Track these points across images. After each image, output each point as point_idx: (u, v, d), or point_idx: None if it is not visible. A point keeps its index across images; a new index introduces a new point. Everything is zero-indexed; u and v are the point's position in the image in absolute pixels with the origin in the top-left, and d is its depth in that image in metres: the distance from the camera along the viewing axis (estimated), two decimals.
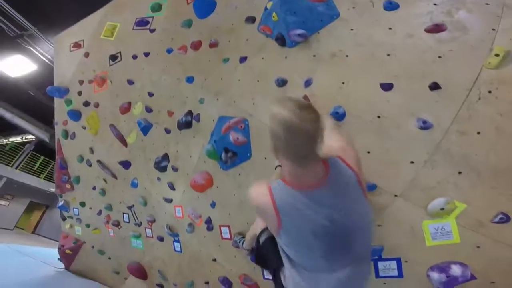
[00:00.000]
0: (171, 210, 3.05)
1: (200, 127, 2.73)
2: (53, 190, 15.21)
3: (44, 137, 12.05)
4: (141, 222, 3.58)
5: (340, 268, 1.16)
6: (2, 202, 15.85)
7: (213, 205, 2.68)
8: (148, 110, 3.19)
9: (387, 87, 1.77)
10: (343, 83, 1.95)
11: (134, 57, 3.38)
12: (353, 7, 2.06)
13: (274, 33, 2.28)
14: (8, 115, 10.92)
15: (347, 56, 1.98)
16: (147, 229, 3.52)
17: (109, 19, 3.84)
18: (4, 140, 14.44)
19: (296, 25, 2.14)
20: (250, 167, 2.37)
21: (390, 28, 1.88)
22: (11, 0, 7.27)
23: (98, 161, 3.82)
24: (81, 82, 3.90)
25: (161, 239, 3.30)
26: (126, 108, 3.38)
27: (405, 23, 1.85)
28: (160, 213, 3.22)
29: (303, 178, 1.12)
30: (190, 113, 2.82)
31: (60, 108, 4.26)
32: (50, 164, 15.19)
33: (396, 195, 1.70)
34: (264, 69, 2.37)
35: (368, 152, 1.79)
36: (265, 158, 2.27)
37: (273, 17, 2.24)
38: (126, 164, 3.48)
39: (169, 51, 3.11)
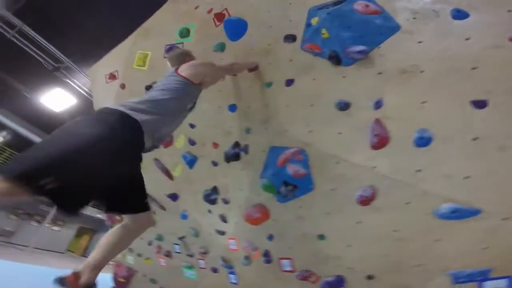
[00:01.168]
0: (225, 242, 2.91)
1: (250, 159, 2.57)
2: (99, 216, 16.33)
3: None
4: (193, 253, 3.50)
5: None
6: (55, 228, 17.09)
7: (270, 238, 2.51)
8: (192, 142, 3.08)
9: (480, 104, 1.49)
10: (423, 102, 1.69)
11: None
12: (414, 18, 1.79)
13: (325, 51, 2.05)
14: None
15: (421, 71, 1.71)
16: (199, 260, 3.43)
17: (138, 47, 3.78)
18: None
19: (352, 41, 1.90)
20: (313, 199, 2.17)
21: (467, 39, 1.61)
22: (44, 33, 7.68)
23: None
24: None
25: (215, 270, 3.17)
26: (168, 142, 3.30)
27: (483, 32, 1.58)
28: (213, 245, 3.09)
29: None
30: (237, 144, 2.66)
31: None
32: None
33: (504, 218, 1.45)
34: (317, 91, 2.14)
35: (467, 177, 1.55)
36: (332, 189, 2.07)
37: (323, 34, 2.02)
38: (173, 197, 3.42)
39: None
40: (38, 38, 7.66)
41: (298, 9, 2.34)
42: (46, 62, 8.07)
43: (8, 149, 13.21)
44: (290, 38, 2.34)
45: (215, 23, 3.02)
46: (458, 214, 1.59)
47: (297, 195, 2.24)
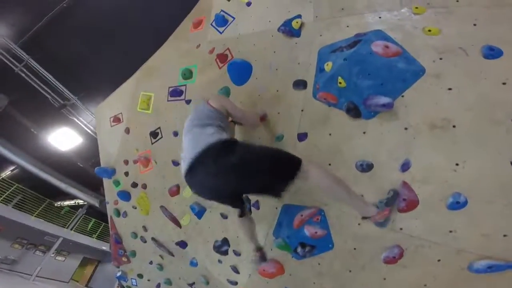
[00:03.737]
0: None
1: (261, 214, 2.29)
2: (104, 248, 16.05)
3: (94, 202, 12.49)
4: None
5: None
6: (59, 258, 16.86)
7: None
8: None
9: None
10: (457, 164, 1.45)
11: (175, 134, 3.08)
12: (440, 58, 1.54)
13: (342, 102, 1.76)
14: (63, 185, 11.49)
15: (454, 126, 1.47)
16: None
17: (142, 87, 3.60)
18: (59, 203, 15.29)
19: (373, 90, 1.62)
20: (333, 257, 1.94)
21: (504, 83, 1.38)
22: (50, 69, 7.56)
23: (153, 238, 3.56)
24: (126, 162, 3.68)
25: None
26: (175, 191, 3.07)
27: None
28: None
29: None
30: (247, 199, 2.37)
31: (109, 188, 4.07)
32: (101, 226, 16.43)
33: None
34: (335, 148, 1.85)
35: (505, 236, 1.38)
36: (354, 248, 1.83)
37: (339, 83, 1.73)
38: (182, 244, 3.16)
39: None
40: (45, 73, 7.51)
41: (306, 50, 2.13)
42: (53, 98, 7.90)
43: (15, 183, 13.01)
44: (301, 84, 2.08)
45: (218, 65, 2.86)
46: (494, 268, 1.42)
47: (315, 254, 2.00)
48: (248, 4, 2.68)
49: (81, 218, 15.63)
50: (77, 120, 8.33)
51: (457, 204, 1.44)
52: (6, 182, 12.96)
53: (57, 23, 6.60)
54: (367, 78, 1.65)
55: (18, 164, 10.70)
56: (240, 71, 2.64)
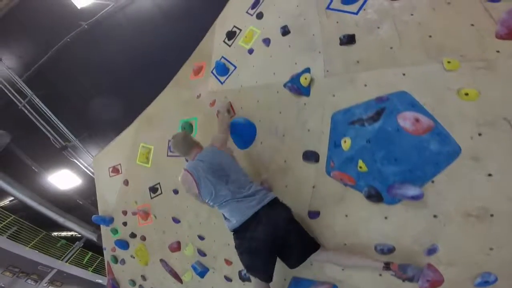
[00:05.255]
0: None
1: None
2: (100, 281, 14.76)
3: (92, 237, 11.60)
4: None
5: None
6: None
7: None
8: (202, 254, 2.48)
9: None
10: (491, 249, 1.17)
11: (175, 191, 2.74)
12: (479, 134, 1.19)
13: (361, 185, 1.44)
14: (60, 220, 10.60)
15: (492, 215, 1.17)
16: None
17: (141, 138, 3.24)
18: (55, 233, 14.17)
19: (399, 177, 1.29)
20: None
21: None
22: (53, 107, 7.03)
23: None
24: (124, 213, 3.28)
25: None
26: (175, 248, 2.72)
27: None
28: None
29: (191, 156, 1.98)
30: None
31: (107, 235, 3.61)
32: (98, 259, 15.01)
33: None
34: (351, 230, 1.53)
35: None
36: None
37: (360, 167, 1.41)
38: None
39: None
40: (47, 112, 6.91)
41: (317, 113, 1.70)
42: (54, 139, 7.26)
43: (11, 215, 11.96)
44: (312, 157, 1.70)
45: None
46: None
47: None
48: (250, 51, 2.28)
49: (78, 251, 14.44)
50: (77, 162, 7.68)
51: (486, 283, 1.19)
52: (3, 212, 11.93)
53: (60, 59, 6.22)
54: (394, 164, 1.32)
55: (17, 198, 9.86)
56: (243, 133, 2.26)
